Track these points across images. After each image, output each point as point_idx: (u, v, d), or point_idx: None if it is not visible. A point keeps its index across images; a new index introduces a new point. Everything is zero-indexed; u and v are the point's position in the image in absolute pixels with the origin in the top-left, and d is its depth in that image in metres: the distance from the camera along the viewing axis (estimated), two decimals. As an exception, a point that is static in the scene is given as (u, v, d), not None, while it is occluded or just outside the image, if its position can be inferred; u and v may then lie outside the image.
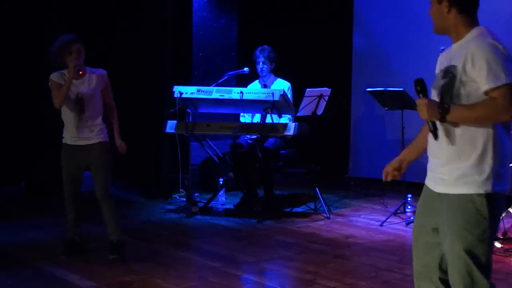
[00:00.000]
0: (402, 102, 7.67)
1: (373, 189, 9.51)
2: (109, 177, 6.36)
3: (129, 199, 9.18)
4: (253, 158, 8.07)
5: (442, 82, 3.47)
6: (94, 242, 6.82)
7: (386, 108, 8.11)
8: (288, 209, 8.48)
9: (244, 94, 8.06)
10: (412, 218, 7.77)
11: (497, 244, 6.39)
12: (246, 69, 8.47)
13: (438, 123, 3.43)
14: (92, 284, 5.61)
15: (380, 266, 6.15)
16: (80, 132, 5.95)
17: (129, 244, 6.86)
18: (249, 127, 8.10)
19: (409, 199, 8.01)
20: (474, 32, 3.41)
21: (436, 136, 3.50)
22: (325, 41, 10.46)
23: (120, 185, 9.71)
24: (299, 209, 8.51)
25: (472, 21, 3.42)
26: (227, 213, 8.18)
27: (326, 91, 8.07)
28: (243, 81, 8.60)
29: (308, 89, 8.07)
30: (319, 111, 8.08)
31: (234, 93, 7.90)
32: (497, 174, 3.38)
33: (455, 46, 3.51)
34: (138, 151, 9.18)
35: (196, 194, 8.61)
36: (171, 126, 7.92)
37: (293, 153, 8.56)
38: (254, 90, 8.24)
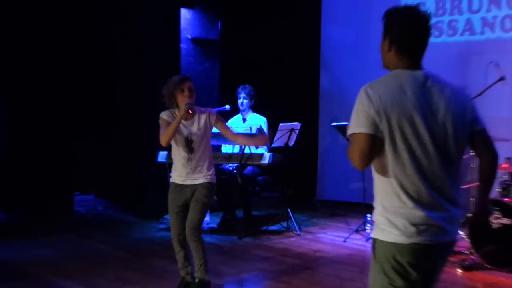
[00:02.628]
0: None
1: (337, 210, 9.59)
2: (202, 219, 5.71)
3: (125, 219, 9.18)
4: (234, 184, 8.15)
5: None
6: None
7: (347, 139, 8.15)
8: (264, 228, 8.53)
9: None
10: (370, 237, 7.83)
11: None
12: (227, 106, 8.54)
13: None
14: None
15: (344, 276, 6.22)
16: (188, 172, 5.51)
17: (125, 258, 6.91)
18: (230, 156, 8.19)
19: (368, 218, 8.04)
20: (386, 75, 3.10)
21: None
22: (296, 82, 10.52)
23: (116, 207, 9.70)
24: (273, 228, 8.56)
25: (404, 64, 3.03)
26: (211, 231, 8.18)
27: (296, 125, 8.17)
28: (225, 117, 8.66)
29: (281, 124, 8.21)
30: (291, 143, 8.17)
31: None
32: (389, 222, 2.96)
33: None
34: (133, 177, 9.23)
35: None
36: (162, 156, 7.95)
37: (268, 179, 8.65)
38: (234, 125, 8.32)
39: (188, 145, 5.48)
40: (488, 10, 8.66)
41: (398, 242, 2.88)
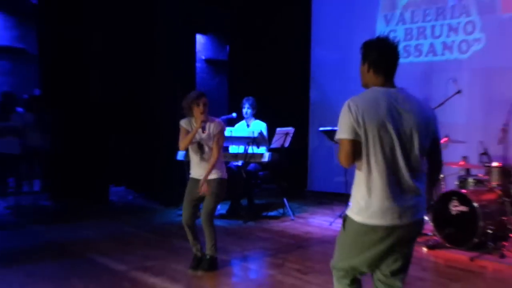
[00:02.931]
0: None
1: (324, 199, 9.54)
2: (215, 208, 5.74)
3: (150, 206, 9.12)
4: (239, 178, 8.11)
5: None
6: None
7: (333, 142, 8.14)
8: (264, 213, 8.50)
9: (233, 132, 8.18)
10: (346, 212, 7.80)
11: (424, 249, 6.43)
12: (234, 114, 8.56)
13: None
14: (124, 268, 5.62)
15: (330, 253, 6.05)
16: (202, 169, 5.47)
17: (150, 238, 6.90)
18: (236, 155, 8.17)
19: (350, 206, 8.04)
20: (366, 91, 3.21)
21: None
22: (291, 94, 10.47)
23: (143, 197, 9.68)
24: (272, 213, 8.53)
25: (381, 82, 3.15)
26: (221, 216, 8.14)
27: (291, 130, 8.15)
28: (232, 123, 8.65)
29: (278, 129, 8.18)
30: (286, 144, 8.14)
31: (226, 131, 7.93)
32: (360, 208, 3.10)
33: None
34: (157, 172, 9.21)
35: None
36: (181, 155, 7.89)
37: (268, 174, 8.63)
38: (240, 129, 8.33)
39: (200, 148, 5.49)
40: (448, 36, 8.65)
41: (365, 223, 3.03)
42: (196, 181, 5.53)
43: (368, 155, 3.02)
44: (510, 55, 7.88)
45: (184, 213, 5.60)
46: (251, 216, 8.14)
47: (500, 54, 8.05)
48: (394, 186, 3.02)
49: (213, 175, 5.52)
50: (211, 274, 5.46)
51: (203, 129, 5.45)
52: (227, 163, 8.28)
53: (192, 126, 5.45)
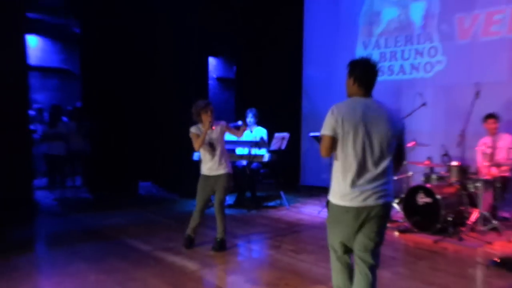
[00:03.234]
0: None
1: (314, 192, 9.47)
2: (225, 198, 5.68)
3: (171, 198, 9.10)
4: (244, 175, 8.10)
5: None
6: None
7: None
8: (264, 204, 8.48)
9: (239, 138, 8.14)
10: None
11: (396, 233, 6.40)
12: (240, 122, 8.45)
13: None
14: (149, 248, 5.63)
15: (318, 236, 6.18)
16: (214, 166, 5.52)
17: (171, 224, 6.88)
18: (242, 156, 8.13)
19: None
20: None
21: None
22: (287, 105, 10.47)
23: (165, 190, 9.66)
24: (271, 204, 8.51)
25: (362, 93, 3.27)
26: (229, 206, 8.13)
27: (286, 135, 8.13)
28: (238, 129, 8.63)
29: (276, 134, 8.16)
30: (283, 147, 8.11)
31: (233, 137, 7.90)
32: (335, 192, 3.24)
33: None
34: (177, 170, 9.18)
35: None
36: (196, 155, 7.86)
37: (268, 171, 8.58)
38: (245, 135, 8.28)
39: (211, 146, 5.52)
40: (415, 58, 8.63)
41: (340, 204, 3.16)
42: (207, 177, 5.56)
43: (343, 149, 3.16)
44: (466, 74, 7.87)
45: (198, 204, 5.62)
46: (254, 206, 8.13)
47: (458, 73, 8.05)
48: (362, 176, 3.14)
49: (222, 171, 5.56)
50: (221, 254, 5.45)
51: (212, 128, 5.51)
52: (234, 162, 8.30)
53: (201, 131, 5.46)
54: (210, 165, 5.55)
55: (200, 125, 5.49)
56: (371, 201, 3.13)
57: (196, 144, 5.45)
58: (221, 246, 5.55)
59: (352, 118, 3.14)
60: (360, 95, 3.27)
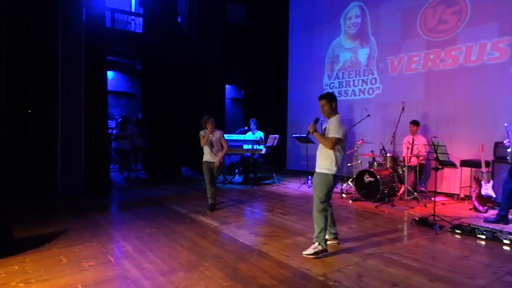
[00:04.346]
0: (306, 140, 7.64)
1: (295, 174, 9.42)
2: (218, 176, 5.85)
3: (199, 177, 8.95)
4: (249, 162, 8.02)
5: (323, 130, 3.66)
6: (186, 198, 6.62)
7: (301, 142, 8.06)
8: (263, 182, 8.35)
9: (245, 137, 8.05)
10: (311, 186, 7.68)
11: (343, 195, 6.27)
12: (246, 128, 8.44)
13: (319, 144, 3.67)
14: (186, 211, 5.52)
15: (298, 203, 6.11)
16: (211, 156, 5.57)
17: (199, 195, 6.77)
18: (248, 150, 8.04)
19: (309, 178, 7.94)
20: (337, 115, 3.66)
21: (307, 135, 3.85)
22: (277, 116, 10.37)
23: (195, 172, 9.54)
24: (267, 182, 8.38)
25: (336, 111, 3.68)
26: (239, 183, 8.08)
27: (277, 136, 8.05)
28: (245, 132, 8.54)
29: (270, 135, 8.07)
30: (275, 144, 8.03)
31: (241, 137, 7.85)
32: (335, 169, 3.58)
33: (329, 120, 3.67)
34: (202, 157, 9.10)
35: (227, 176, 8.50)
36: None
37: (265, 160, 8.45)
38: (249, 136, 8.21)
39: (211, 144, 5.60)
40: (362, 85, 8.49)
41: (335, 174, 3.60)
42: (208, 162, 5.61)
43: (341, 145, 3.60)
44: (395, 96, 7.78)
45: (206, 179, 5.66)
46: (255, 183, 8.01)
47: (390, 95, 7.95)
48: (344, 159, 3.64)
49: (216, 158, 5.62)
50: (233, 215, 5.35)
51: (212, 134, 5.63)
52: (242, 154, 8.24)
53: (206, 134, 5.58)
54: (209, 156, 5.60)
55: (206, 130, 5.60)
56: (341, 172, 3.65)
57: (202, 142, 5.57)
58: (212, 208, 5.61)
59: (346, 127, 3.68)
60: (337, 112, 3.69)
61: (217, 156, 5.60)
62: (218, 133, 5.67)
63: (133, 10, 12.47)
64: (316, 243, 3.58)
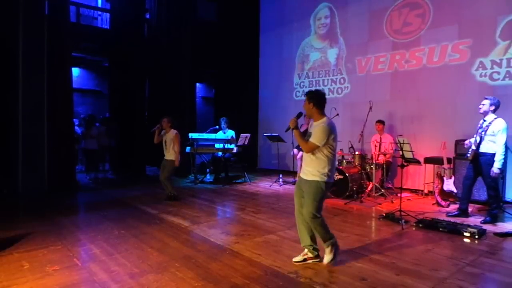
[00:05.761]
0: (277, 139, 7.69)
1: (266, 173, 9.47)
2: (168, 173, 6.09)
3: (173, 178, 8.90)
4: (220, 161, 7.99)
5: (309, 133, 3.34)
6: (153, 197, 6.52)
7: (271, 141, 8.09)
8: (234, 181, 8.34)
9: (216, 136, 8.00)
10: (282, 184, 7.75)
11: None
12: (217, 126, 8.39)
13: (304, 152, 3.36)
14: (155, 212, 5.42)
15: (269, 202, 6.14)
16: (166, 154, 5.94)
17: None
18: (219, 149, 8.00)
19: (280, 176, 8.00)
20: (323, 119, 3.30)
21: (286, 130, 3.50)
22: (249, 115, 10.41)
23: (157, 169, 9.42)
24: (238, 181, 8.37)
25: (322, 113, 3.32)
26: (210, 183, 8.02)
27: (248, 135, 8.08)
28: (216, 131, 8.49)
29: (241, 134, 8.08)
30: (246, 143, 8.05)
31: (212, 136, 7.80)
32: (327, 175, 3.27)
33: (315, 123, 3.33)
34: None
35: (198, 176, 8.42)
36: (188, 148, 7.76)
37: (236, 159, 8.47)
38: (220, 135, 8.17)
39: (165, 143, 5.95)
40: (331, 85, 8.67)
41: (329, 181, 3.31)
42: (164, 160, 5.98)
43: (333, 150, 3.29)
44: (363, 96, 7.98)
45: (161, 176, 6.08)
46: (226, 182, 7.99)
47: (358, 95, 8.15)
48: (334, 165, 3.35)
49: (171, 157, 5.89)
50: (204, 214, 5.30)
51: (162, 132, 5.96)
52: (213, 153, 8.18)
53: (162, 132, 5.96)
54: (165, 153, 5.96)
55: (163, 131, 5.96)
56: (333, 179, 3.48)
57: (155, 139, 5.92)
58: (169, 199, 6.00)
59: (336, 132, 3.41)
60: (319, 113, 3.35)
61: (169, 153, 5.88)
62: (173, 134, 5.90)
63: (99, 5, 12.08)
64: (330, 247, 3.42)
